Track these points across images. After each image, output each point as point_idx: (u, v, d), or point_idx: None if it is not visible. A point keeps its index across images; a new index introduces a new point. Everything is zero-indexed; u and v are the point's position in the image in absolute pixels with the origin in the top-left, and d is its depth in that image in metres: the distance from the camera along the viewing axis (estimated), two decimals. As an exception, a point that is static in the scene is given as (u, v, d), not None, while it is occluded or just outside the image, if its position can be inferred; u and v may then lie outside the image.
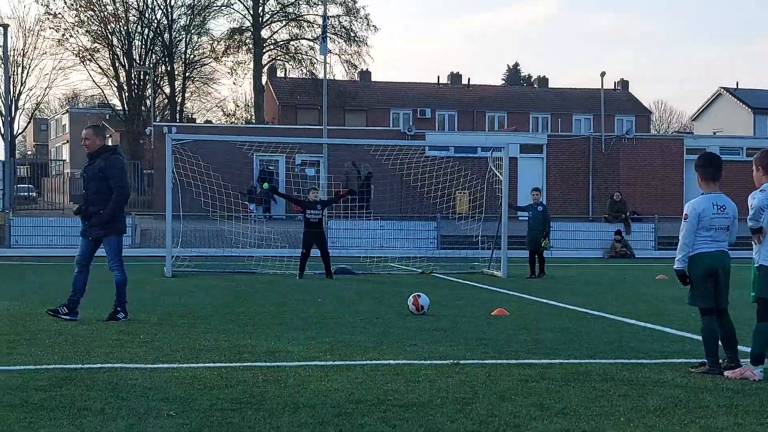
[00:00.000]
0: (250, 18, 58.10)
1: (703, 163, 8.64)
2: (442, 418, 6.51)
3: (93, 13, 56.10)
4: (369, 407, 6.84)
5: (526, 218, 22.48)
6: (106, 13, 56.27)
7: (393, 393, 7.37)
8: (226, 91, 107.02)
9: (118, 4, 56.68)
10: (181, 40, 60.48)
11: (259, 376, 8.07)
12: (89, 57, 56.98)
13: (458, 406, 6.94)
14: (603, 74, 46.00)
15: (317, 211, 20.38)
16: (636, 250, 32.89)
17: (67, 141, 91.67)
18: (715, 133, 61.32)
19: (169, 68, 59.87)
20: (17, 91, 57.45)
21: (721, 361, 8.48)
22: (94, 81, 59.82)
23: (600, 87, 47.43)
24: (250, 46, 58.31)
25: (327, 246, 20.77)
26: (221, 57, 60.03)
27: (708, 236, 8.43)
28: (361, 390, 7.48)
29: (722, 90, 70.39)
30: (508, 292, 17.08)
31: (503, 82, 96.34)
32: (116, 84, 58.76)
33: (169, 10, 58.73)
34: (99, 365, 8.59)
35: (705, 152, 9.07)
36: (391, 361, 8.94)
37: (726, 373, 8.31)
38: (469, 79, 74.50)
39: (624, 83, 75.45)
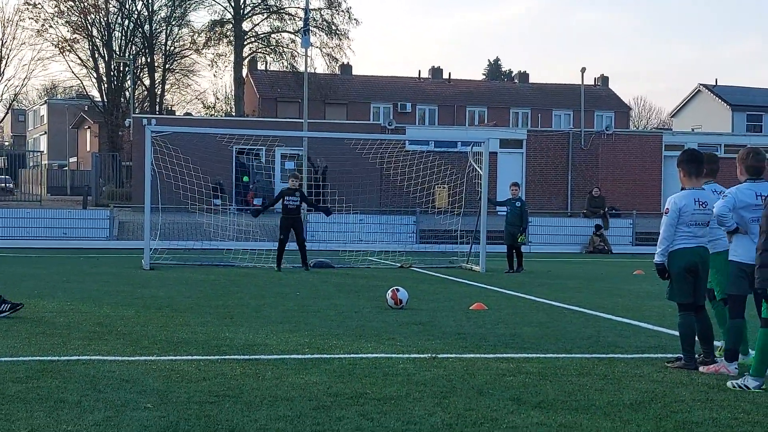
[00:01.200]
0: (231, 10, 57.90)
1: (686, 158, 8.69)
2: (420, 412, 6.53)
3: (73, 4, 55.73)
4: (347, 401, 6.86)
5: (505, 213, 22.56)
6: (86, 4, 55.90)
7: (371, 386, 7.39)
8: (206, 84, 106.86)
9: (98, -5, 56.35)
10: (161, 32, 60.21)
11: (237, 369, 8.07)
12: (68, 48, 56.63)
13: (436, 399, 6.96)
14: (583, 70, 46.18)
15: (295, 198, 20.57)
16: (614, 246, 33.03)
17: (45, 132, 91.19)
18: (693, 129, 61.60)
19: (149, 60, 59.58)
20: (-5, 81, 57.07)
21: (696, 356, 8.55)
22: (73, 72, 59.59)
23: (580, 83, 47.60)
24: (231, 38, 58.11)
25: (303, 233, 21.09)
26: (202, 49, 59.78)
27: (688, 231, 8.49)
28: (339, 383, 7.50)
29: (701, 87, 70.72)
30: (487, 286, 17.13)
31: (484, 77, 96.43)
32: (95, 75, 58.46)
33: (150, 1, 58.45)
34: (76, 357, 8.56)
35: (688, 148, 9.13)
36: (370, 355, 8.96)
37: (701, 368, 8.37)
38: (449, 73, 74.53)
39: (604, 79, 75.67)
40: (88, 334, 10.03)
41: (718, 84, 71.23)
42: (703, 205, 8.49)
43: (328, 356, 8.86)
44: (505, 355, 9.07)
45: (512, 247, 21.67)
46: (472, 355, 9.05)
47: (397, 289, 13.23)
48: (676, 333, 8.96)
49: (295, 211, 20.63)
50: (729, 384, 7.65)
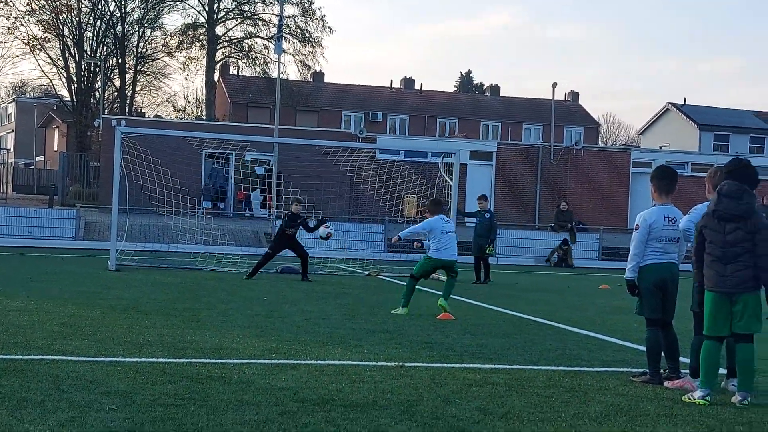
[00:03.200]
0: (204, 14, 57.67)
1: (659, 175, 8.79)
2: (386, 420, 6.52)
3: (45, 3, 55.28)
4: (313, 407, 6.83)
5: (473, 224, 22.64)
6: (58, 3, 55.44)
7: (338, 393, 7.37)
8: (178, 87, 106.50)
9: (70, -6, 55.95)
10: (133, 34, 59.86)
11: (203, 373, 8.02)
12: (39, 46, 56.16)
13: (402, 408, 6.95)
14: (554, 85, 46.45)
15: (296, 225, 20.13)
16: (581, 260, 33.17)
17: (13, 130, 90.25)
18: (661, 147, 62.15)
19: (120, 61, 59.22)
20: (-36, 78, 56.51)
21: (662, 370, 8.61)
22: (43, 71, 59.20)
23: (551, 98, 47.89)
24: (204, 42, 57.88)
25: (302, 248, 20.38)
26: (174, 52, 59.53)
27: (659, 247, 8.56)
28: (305, 389, 7.47)
29: (670, 105, 71.36)
30: (454, 297, 17.14)
31: (455, 89, 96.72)
32: (65, 75, 57.99)
33: (123, 2, 58.06)
34: (40, 357, 8.47)
35: (662, 165, 9.25)
36: (337, 362, 8.93)
37: (666, 383, 8.43)
38: (421, 84, 74.68)
39: (574, 95, 76.17)
40: (52, 334, 9.92)
41: (686, 103, 71.92)
42: (673, 221, 8.57)
43: (295, 362, 8.82)
44: (472, 366, 9.08)
45: (480, 259, 21.76)
46: (439, 365, 9.06)
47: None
48: (642, 347, 9.03)
49: (293, 237, 20.22)
50: (684, 397, 7.76)
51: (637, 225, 8.65)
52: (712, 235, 7.74)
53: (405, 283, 14.48)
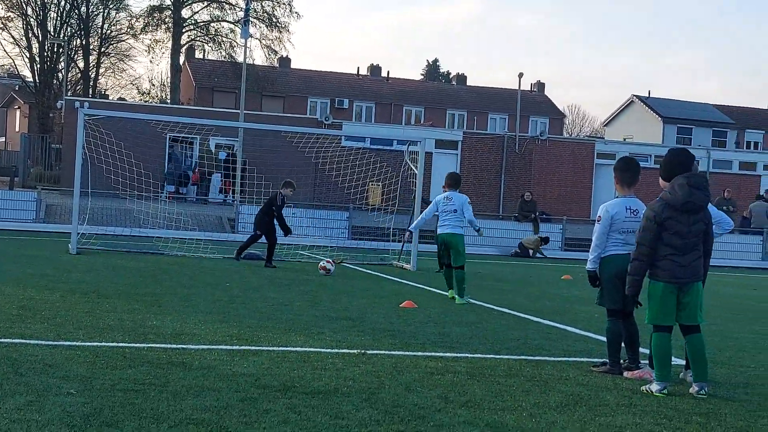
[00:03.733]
0: (171, -4, 57.23)
1: (622, 167, 8.83)
2: (347, 407, 6.52)
3: (8, -19, 54.62)
4: (275, 393, 6.81)
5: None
6: (21, -19, 54.81)
7: (299, 380, 7.35)
8: (142, 69, 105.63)
9: (34, -27, 55.28)
10: (98, 14, 59.31)
11: (163, 358, 7.97)
12: (2, 26, 55.47)
13: (364, 395, 6.95)
14: (521, 75, 46.61)
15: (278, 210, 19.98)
16: (544, 250, 33.36)
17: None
18: (624, 139, 62.60)
19: (84, 42, 58.59)
20: None
21: (622, 361, 8.68)
22: (5, 50, 58.74)
23: (517, 88, 48.05)
24: (170, 24, 57.43)
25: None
26: (139, 34, 59.00)
27: (620, 239, 8.61)
28: (267, 376, 7.45)
29: (634, 98, 71.91)
30: (417, 285, 17.18)
31: (422, 77, 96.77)
32: (28, 55, 57.33)
33: (88, -19, 57.50)
34: (-2, 340, 8.37)
35: (625, 157, 9.25)
36: (299, 349, 8.92)
37: (625, 373, 8.50)
38: (388, 72, 74.81)
39: (540, 85, 76.50)
40: (11, 317, 9.81)
41: (651, 96, 72.50)
42: (635, 213, 8.62)
43: (257, 348, 8.79)
44: (433, 354, 9.10)
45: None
46: (401, 353, 9.07)
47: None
48: (603, 338, 9.09)
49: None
50: (642, 388, 7.83)
51: (599, 216, 8.69)
52: (677, 226, 7.77)
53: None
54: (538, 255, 31.68)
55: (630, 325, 8.71)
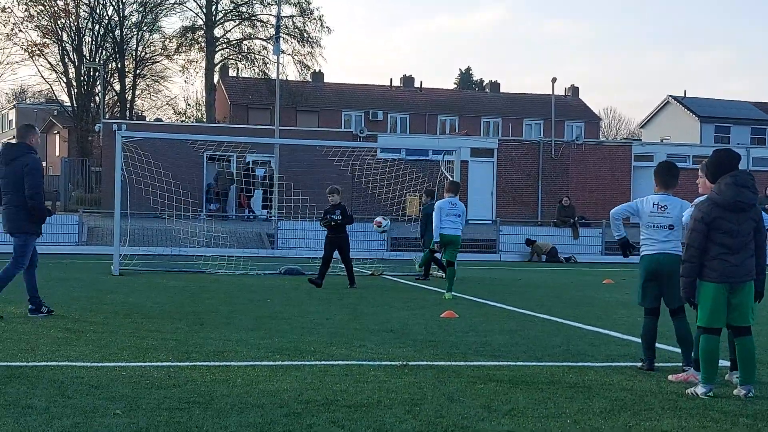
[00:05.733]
0: (202, 16, 57.70)
1: (661, 170, 8.96)
2: (390, 419, 6.53)
3: (43, 8, 55.32)
4: (318, 407, 6.84)
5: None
6: (56, 8, 55.51)
7: (342, 393, 7.38)
8: (177, 90, 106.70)
9: (68, 0, 55.97)
10: (132, 37, 59.88)
11: (207, 376, 8.03)
12: (38, 52, 56.18)
13: (407, 407, 6.96)
14: (554, 80, 46.45)
15: (336, 215, 18.47)
16: (583, 255, 33.21)
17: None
18: (662, 140, 62.08)
19: (119, 65, 59.23)
20: (-36, 85, 56.56)
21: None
22: (42, 76, 59.05)
23: (551, 93, 47.87)
24: (203, 44, 57.90)
25: (348, 252, 18.84)
26: (173, 55, 59.55)
27: (649, 236, 8.72)
28: (309, 390, 7.48)
29: (670, 98, 71.31)
30: (457, 294, 17.16)
31: (455, 86, 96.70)
32: (65, 80, 58.01)
33: (121, 6, 58.11)
34: (44, 363, 8.48)
35: (665, 160, 9.38)
36: (341, 362, 8.94)
37: (670, 377, 8.44)
38: (421, 82, 74.71)
39: (575, 89, 76.13)
40: (57, 340, 9.94)
41: (686, 96, 71.87)
42: (662, 209, 8.66)
43: (299, 363, 8.83)
44: (475, 363, 9.08)
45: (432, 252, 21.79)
46: (443, 363, 9.06)
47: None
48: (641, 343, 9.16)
49: (339, 229, 18.49)
50: (687, 391, 7.78)
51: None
52: (727, 225, 7.70)
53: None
54: (543, 258, 31.93)
55: (678, 322, 8.85)
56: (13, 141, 13.15)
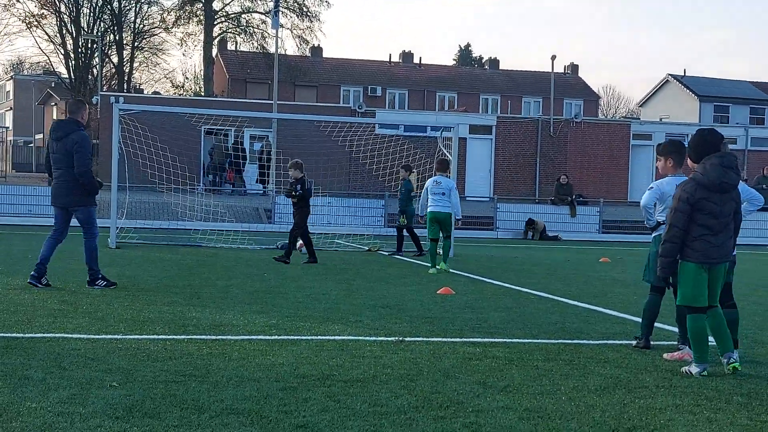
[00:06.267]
0: (201, -11, 57.46)
1: (675, 150, 8.80)
2: (386, 394, 6.55)
3: (41, -22, 55.06)
4: (313, 382, 6.85)
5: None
6: (54, -21, 55.25)
7: (338, 368, 7.39)
8: (175, 63, 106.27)
9: (66, -30, 55.69)
10: (130, 9, 59.64)
11: (203, 349, 8.04)
12: (36, 23, 55.97)
13: (402, 382, 6.97)
14: (553, 58, 46.37)
15: (297, 190, 18.21)
16: (581, 234, 33.26)
17: (11, 108, 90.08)
18: (661, 119, 62.03)
19: (117, 37, 59.00)
20: (-40, 56, 56.40)
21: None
22: (40, 48, 59.10)
23: (550, 70, 47.77)
24: (201, 17, 57.68)
25: (297, 226, 18.36)
26: (171, 28, 59.35)
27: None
28: (305, 365, 7.49)
29: (669, 77, 71.18)
30: (454, 271, 17.18)
31: (454, 62, 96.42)
32: (63, 52, 57.78)
33: (119, -23, 57.85)
34: (41, 335, 8.49)
35: (673, 139, 9.30)
36: (337, 337, 8.96)
37: (665, 355, 8.47)
38: (420, 58, 74.50)
39: (574, 67, 75.94)
40: (53, 312, 9.95)
41: (686, 74, 71.74)
42: None
43: (295, 337, 8.85)
44: (471, 340, 9.10)
45: (399, 229, 22.07)
46: (439, 339, 9.08)
47: None
48: (641, 319, 9.11)
49: (300, 203, 18.23)
50: (681, 369, 7.81)
51: (651, 187, 8.83)
52: (711, 206, 7.71)
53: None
54: (530, 235, 31.99)
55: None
56: (63, 117, 13.24)
